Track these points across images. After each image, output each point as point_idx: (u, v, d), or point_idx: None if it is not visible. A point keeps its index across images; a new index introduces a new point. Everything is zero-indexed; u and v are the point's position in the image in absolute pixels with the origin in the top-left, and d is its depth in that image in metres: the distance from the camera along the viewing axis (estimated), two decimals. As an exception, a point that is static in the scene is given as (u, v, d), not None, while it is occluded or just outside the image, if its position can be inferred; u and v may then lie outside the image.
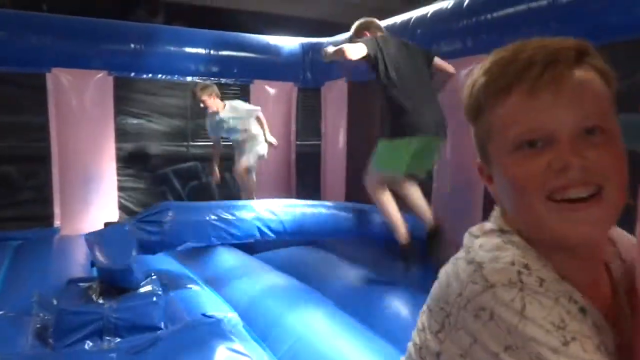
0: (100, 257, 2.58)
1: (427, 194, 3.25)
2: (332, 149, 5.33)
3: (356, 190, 5.12)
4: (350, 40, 3.20)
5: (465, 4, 3.35)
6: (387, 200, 3.02)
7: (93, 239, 2.72)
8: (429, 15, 3.69)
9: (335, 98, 5.21)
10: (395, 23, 4.06)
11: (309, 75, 5.37)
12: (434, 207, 3.19)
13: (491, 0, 3.19)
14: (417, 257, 2.96)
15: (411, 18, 3.87)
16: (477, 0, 3.29)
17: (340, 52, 2.86)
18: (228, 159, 4.85)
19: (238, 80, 5.12)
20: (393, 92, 2.93)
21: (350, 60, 2.88)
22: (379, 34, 3.20)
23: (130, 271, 2.58)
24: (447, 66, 3.20)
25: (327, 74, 5.26)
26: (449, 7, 3.51)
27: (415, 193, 3.06)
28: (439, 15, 3.59)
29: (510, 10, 3.02)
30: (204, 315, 2.55)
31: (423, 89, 3.00)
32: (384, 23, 4.27)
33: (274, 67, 5.18)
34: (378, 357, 2.10)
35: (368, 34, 3.16)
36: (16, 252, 3.82)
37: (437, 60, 3.18)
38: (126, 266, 2.56)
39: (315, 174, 5.54)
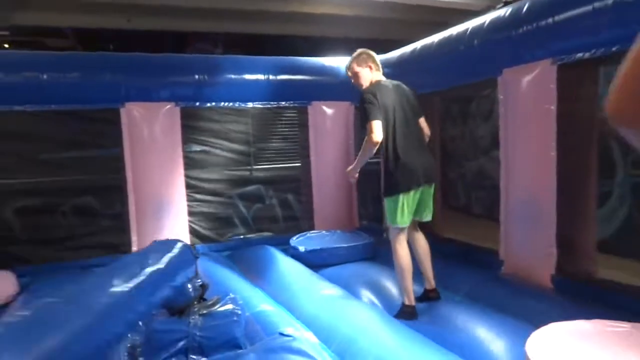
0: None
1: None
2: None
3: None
4: (348, 69, 3.44)
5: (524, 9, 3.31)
6: (404, 259, 3.15)
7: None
8: (486, 24, 3.66)
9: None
10: (452, 35, 4.05)
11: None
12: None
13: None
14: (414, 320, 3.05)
15: (467, 29, 3.85)
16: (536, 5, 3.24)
17: (368, 150, 3.13)
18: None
19: (296, 102, 5.25)
20: (387, 144, 3.17)
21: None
22: (378, 72, 3.39)
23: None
24: (426, 127, 3.45)
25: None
26: (506, 14, 3.48)
27: (424, 249, 3.32)
28: (498, 22, 3.55)
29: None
30: (281, 334, 2.59)
31: (413, 135, 3.25)
32: (437, 37, 4.29)
33: (330, 87, 5.27)
34: None
35: (370, 68, 3.36)
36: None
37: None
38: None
39: (376, 191, 5.54)
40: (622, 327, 2.27)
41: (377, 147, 3.09)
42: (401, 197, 3.09)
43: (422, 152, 3.26)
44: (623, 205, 4.60)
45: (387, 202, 3.20)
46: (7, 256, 4.35)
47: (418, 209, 3.23)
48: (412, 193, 3.12)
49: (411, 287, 3.13)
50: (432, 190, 3.29)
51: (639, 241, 4.43)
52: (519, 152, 3.52)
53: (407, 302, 3.12)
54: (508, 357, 2.38)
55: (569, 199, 3.23)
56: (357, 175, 3.37)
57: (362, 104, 3.15)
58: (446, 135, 5.90)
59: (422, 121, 3.43)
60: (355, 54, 3.42)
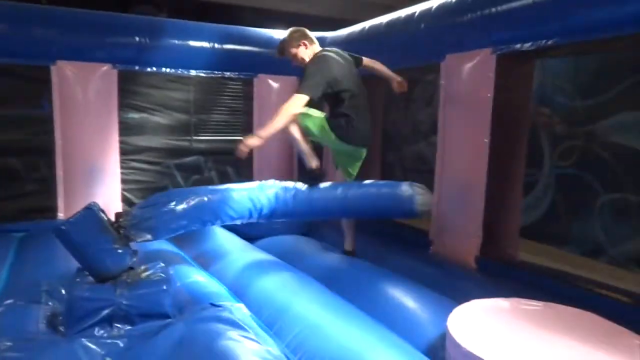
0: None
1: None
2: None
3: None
4: (283, 52, 3.61)
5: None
6: (296, 134, 3.46)
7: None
8: (433, 9, 3.72)
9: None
10: (400, 17, 4.08)
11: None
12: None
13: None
14: (324, 180, 3.52)
15: (415, 12, 3.89)
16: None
17: (280, 120, 3.21)
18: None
19: (242, 74, 5.13)
20: (342, 107, 3.36)
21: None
22: (313, 45, 3.55)
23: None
24: (374, 62, 3.71)
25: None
26: (453, 1, 3.54)
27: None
28: (444, 8, 3.62)
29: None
30: (211, 304, 2.57)
31: (362, 99, 3.46)
32: (386, 18, 4.32)
33: (277, 61, 5.18)
34: (378, 341, 2.15)
35: (305, 45, 3.50)
36: (20, 244, 3.83)
37: (366, 60, 3.69)
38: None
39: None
40: (536, 305, 2.43)
41: (287, 121, 3.22)
42: (351, 148, 3.47)
43: (367, 117, 3.49)
44: (547, 194, 4.89)
45: (335, 140, 3.42)
46: None
47: (351, 164, 3.62)
48: (354, 148, 3.48)
49: (309, 151, 3.49)
50: (365, 152, 3.60)
51: (559, 229, 4.74)
52: (455, 137, 3.64)
53: (313, 166, 3.48)
54: (432, 330, 2.47)
55: (497, 186, 3.39)
56: (248, 149, 3.33)
57: (303, 75, 3.25)
58: (388, 119, 5.98)
59: (367, 60, 3.68)
60: (285, 37, 3.52)
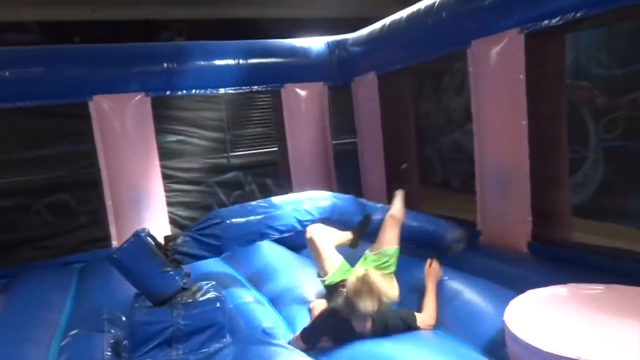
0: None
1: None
2: (368, 146, 5.33)
3: (395, 183, 5.11)
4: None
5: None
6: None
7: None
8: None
9: (366, 93, 5.21)
10: (420, 9, 4.03)
11: (338, 73, 5.39)
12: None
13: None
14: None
15: (435, 2, 3.83)
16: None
17: None
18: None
19: (269, 86, 5.19)
20: None
21: None
22: None
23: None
24: None
25: (356, 70, 5.27)
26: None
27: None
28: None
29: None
30: (264, 331, 2.59)
31: None
32: (405, 12, 4.26)
33: (302, 69, 5.22)
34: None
35: None
36: (80, 274, 4.00)
37: None
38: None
39: (355, 173, 5.55)
40: (595, 289, 2.33)
41: None
42: None
43: None
44: (597, 169, 4.69)
45: None
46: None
47: None
48: None
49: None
50: None
51: (613, 204, 4.54)
52: (490, 123, 3.56)
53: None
54: (492, 321, 2.41)
55: (541, 167, 3.28)
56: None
57: None
58: (420, 111, 5.91)
59: None
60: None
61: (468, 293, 2.72)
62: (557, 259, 3.11)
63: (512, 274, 2.98)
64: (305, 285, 3.18)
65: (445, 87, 6.52)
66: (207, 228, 3.10)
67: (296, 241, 4.35)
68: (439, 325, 2.58)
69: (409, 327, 2.45)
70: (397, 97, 5.04)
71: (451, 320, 2.60)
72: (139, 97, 4.56)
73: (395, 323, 2.42)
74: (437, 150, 6.66)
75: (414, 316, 2.53)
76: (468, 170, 3.91)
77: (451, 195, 5.89)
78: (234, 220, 3.22)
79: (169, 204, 4.80)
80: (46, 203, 4.57)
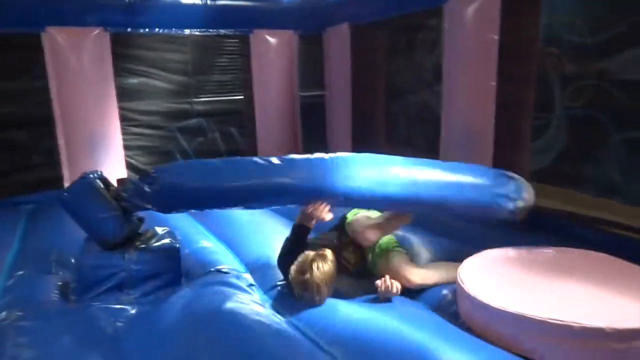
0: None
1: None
2: (336, 100, 5.23)
3: (361, 142, 5.08)
4: None
5: None
6: None
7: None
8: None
9: (337, 44, 5.07)
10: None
11: (309, 21, 5.20)
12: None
13: None
14: None
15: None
16: None
17: None
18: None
19: (237, 30, 4.97)
20: None
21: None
22: None
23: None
24: None
25: (328, 19, 5.10)
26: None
27: None
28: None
29: None
30: (218, 270, 2.56)
31: None
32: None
33: (273, 14, 5.01)
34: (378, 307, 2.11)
35: None
36: (30, 216, 3.85)
37: None
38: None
39: (321, 127, 5.47)
40: (546, 252, 2.39)
41: None
42: None
43: None
44: (559, 137, 4.76)
45: None
46: None
47: None
48: None
49: None
50: None
51: (573, 171, 4.63)
52: (461, 82, 3.53)
53: None
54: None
55: (505, 130, 3.29)
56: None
57: None
58: (391, 68, 5.82)
59: None
60: None
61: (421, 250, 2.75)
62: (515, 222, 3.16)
63: (467, 234, 3.02)
64: (267, 231, 3.16)
65: (418, 44, 6.41)
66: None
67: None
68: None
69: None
70: (369, 52, 4.93)
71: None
72: (97, 31, 4.27)
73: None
74: (404, 109, 6.63)
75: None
76: (433, 131, 3.88)
77: (414, 155, 5.90)
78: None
79: (127, 148, 4.62)
80: (-2, 140, 4.32)
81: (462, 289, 2.03)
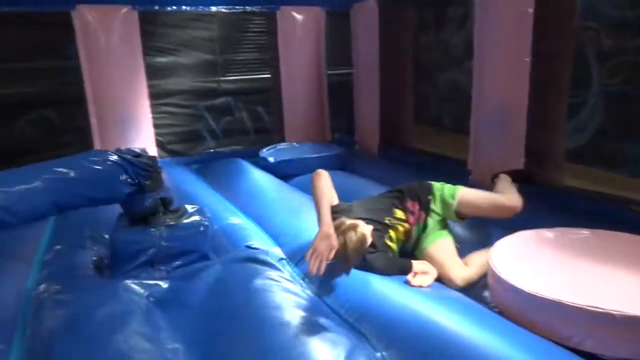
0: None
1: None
2: (364, 78, 5.16)
3: (389, 120, 5.02)
4: None
5: None
6: None
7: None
8: None
9: (365, 21, 4.98)
10: None
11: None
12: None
13: None
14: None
15: None
16: None
17: None
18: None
19: (263, 7, 4.93)
20: None
21: None
22: None
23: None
24: None
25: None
26: None
27: None
28: None
29: None
30: (247, 246, 2.59)
31: None
32: None
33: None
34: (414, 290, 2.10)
35: None
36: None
37: None
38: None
39: (348, 104, 5.42)
40: (582, 233, 2.33)
41: None
42: None
43: None
44: (596, 115, 4.61)
45: None
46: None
47: None
48: None
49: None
50: None
51: (609, 151, 4.50)
52: (492, 58, 3.42)
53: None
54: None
55: (540, 108, 3.20)
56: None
57: None
58: (420, 46, 5.70)
59: None
60: None
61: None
62: (547, 202, 3.09)
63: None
64: (295, 206, 3.17)
65: (448, 20, 6.25)
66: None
67: (285, 170, 4.36)
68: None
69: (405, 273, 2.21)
70: (398, 29, 4.83)
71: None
72: (125, 10, 4.29)
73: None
74: (433, 87, 6.51)
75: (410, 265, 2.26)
76: (462, 109, 3.80)
77: (444, 134, 5.82)
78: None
79: (156, 126, 4.68)
80: (30, 119, 4.42)
81: (494, 272, 2.00)
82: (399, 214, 2.49)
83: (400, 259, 2.38)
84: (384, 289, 2.05)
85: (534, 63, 3.11)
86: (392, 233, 2.43)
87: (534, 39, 3.07)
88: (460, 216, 2.57)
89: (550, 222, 2.47)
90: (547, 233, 2.35)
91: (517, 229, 2.41)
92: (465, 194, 2.56)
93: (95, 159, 2.42)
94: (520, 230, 2.38)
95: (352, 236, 2.12)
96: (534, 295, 1.79)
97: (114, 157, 2.41)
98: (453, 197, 2.54)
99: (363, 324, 1.87)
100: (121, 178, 2.38)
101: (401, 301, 1.94)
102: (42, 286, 2.22)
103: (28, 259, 2.59)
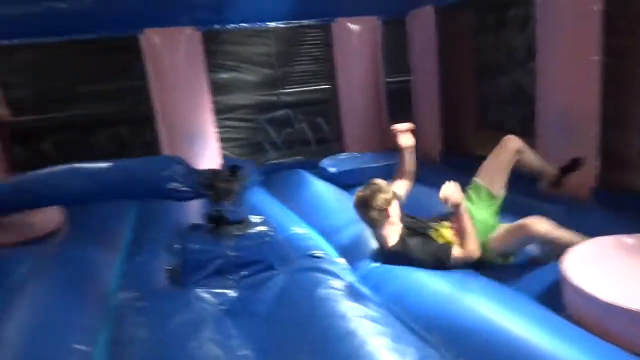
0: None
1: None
2: (423, 85, 5.12)
3: (450, 126, 4.93)
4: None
5: None
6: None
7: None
8: None
9: (422, 28, 4.94)
10: None
11: (392, 6, 5.11)
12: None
13: None
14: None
15: None
16: None
17: None
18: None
19: (319, 20, 5.01)
20: None
21: None
22: None
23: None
24: None
25: (411, 3, 4.98)
26: None
27: None
28: None
29: None
30: (311, 256, 2.62)
31: None
32: None
33: (354, 1, 4.99)
34: (481, 290, 2.05)
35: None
36: (139, 206, 4.17)
37: None
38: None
39: (407, 112, 5.38)
40: (664, 239, 2.19)
41: None
42: None
43: None
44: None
45: None
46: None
47: None
48: None
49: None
50: None
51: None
52: (557, 59, 3.30)
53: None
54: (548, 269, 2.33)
55: (614, 108, 3.04)
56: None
57: None
58: (479, 49, 5.57)
59: None
60: None
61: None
62: (623, 206, 2.93)
63: (573, 221, 2.83)
64: (356, 217, 3.17)
65: (508, 21, 6.08)
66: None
67: (346, 180, 4.37)
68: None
69: (440, 259, 2.37)
70: (456, 33, 4.76)
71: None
72: (189, 30, 4.52)
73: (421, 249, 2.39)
74: (494, 91, 6.33)
75: (448, 247, 2.41)
76: (526, 112, 3.68)
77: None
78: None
79: (220, 140, 4.86)
80: (105, 136, 4.74)
81: (569, 279, 1.92)
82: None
83: (438, 243, 2.47)
84: (453, 296, 2.02)
85: (606, 61, 2.97)
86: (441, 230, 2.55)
87: (604, 36, 2.94)
88: None
89: (629, 227, 2.34)
90: (627, 239, 2.22)
91: (593, 234, 2.29)
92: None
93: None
94: (596, 237, 2.27)
95: (381, 190, 2.46)
96: (611, 304, 1.70)
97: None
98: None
99: (432, 332, 1.85)
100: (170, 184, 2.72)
101: (472, 309, 1.90)
102: (123, 293, 2.36)
103: (109, 267, 2.76)
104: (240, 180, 2.84)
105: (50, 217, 3.78)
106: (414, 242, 2.42)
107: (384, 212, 2.46)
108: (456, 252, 2.40)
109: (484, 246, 2.47)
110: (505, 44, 6.21)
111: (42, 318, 2.13)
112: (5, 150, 4.34)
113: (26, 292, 2.46)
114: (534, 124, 3.59)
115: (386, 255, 2.50)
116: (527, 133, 3.98)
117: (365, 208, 2.49)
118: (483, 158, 3.22)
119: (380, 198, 2.46)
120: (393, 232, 2.49)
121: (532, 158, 2.82)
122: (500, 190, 2.71)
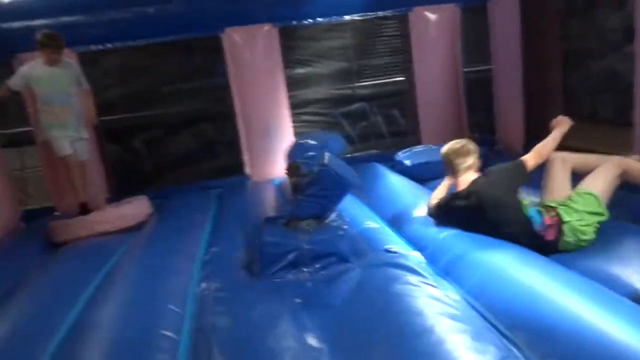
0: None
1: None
2: (504, 74, 4.88)
3: (535, 117, 4.66)
4: None
5: None
6: None
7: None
8: None
9: (504, 14, 4.71)
10: None
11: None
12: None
13: None
14: None
15: None
16: None
17: None
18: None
19: (395, 11, 4.92)
20: None
21: None
22: None
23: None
24: None
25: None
26: None
27: None
28: None
29: None
30: (387, 250, 2.60)
31: None
32: None
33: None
34: (564, 284, 1.93)
35: None
36: (219, 199, 4.36)
37: None
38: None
39: (488, 103, 5.16)
40: None
41: None
42: None
43: None
44: None
45: None
46: (141, 182, 4.85)
47: None
48: None
49: None
50: None
51: None
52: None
53: None
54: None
55: None
56: None
57: None
58: (567, 34, 5.21)
59: None
60: None
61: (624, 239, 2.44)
62: None
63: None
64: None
65: (601, 1, 5.63)
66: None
67: (422, 173, 4.28)
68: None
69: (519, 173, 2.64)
70: (541, 17, 4.49)
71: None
72: (267, 27, 4.62)
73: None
74: (585, 78, 5.90)
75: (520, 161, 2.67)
76: (623, 101, 3.39)
77: (599, 129, 5.24)
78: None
79: (296, 135, 4.93)
80: (189, 133, 5.00)
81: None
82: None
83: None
84: (539, 291, 1.91)
85: None
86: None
87: None
88: None
89: None
90: None
91: None
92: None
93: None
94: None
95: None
96: None
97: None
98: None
99: (515, 331, 1.76)
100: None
101: (560, 306, 1.78)
102: (204, 284, 2.48)
103: (191, 258, 2.91)
104: (305, 175, 2.86)
105: (140, 208, 4.06)
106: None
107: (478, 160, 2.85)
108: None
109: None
110: (597, 27, 5.76)
111: (132, 303, 2.29)
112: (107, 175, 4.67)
113: (119, 277, 2.67)
114: (632, 113, 3.31)
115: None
116: (622, 123, 3.69)
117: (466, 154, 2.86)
118: (572, 149, 3.02)
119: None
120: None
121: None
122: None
